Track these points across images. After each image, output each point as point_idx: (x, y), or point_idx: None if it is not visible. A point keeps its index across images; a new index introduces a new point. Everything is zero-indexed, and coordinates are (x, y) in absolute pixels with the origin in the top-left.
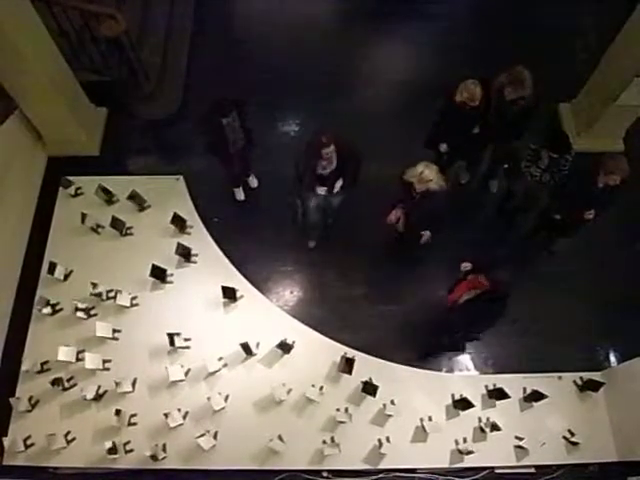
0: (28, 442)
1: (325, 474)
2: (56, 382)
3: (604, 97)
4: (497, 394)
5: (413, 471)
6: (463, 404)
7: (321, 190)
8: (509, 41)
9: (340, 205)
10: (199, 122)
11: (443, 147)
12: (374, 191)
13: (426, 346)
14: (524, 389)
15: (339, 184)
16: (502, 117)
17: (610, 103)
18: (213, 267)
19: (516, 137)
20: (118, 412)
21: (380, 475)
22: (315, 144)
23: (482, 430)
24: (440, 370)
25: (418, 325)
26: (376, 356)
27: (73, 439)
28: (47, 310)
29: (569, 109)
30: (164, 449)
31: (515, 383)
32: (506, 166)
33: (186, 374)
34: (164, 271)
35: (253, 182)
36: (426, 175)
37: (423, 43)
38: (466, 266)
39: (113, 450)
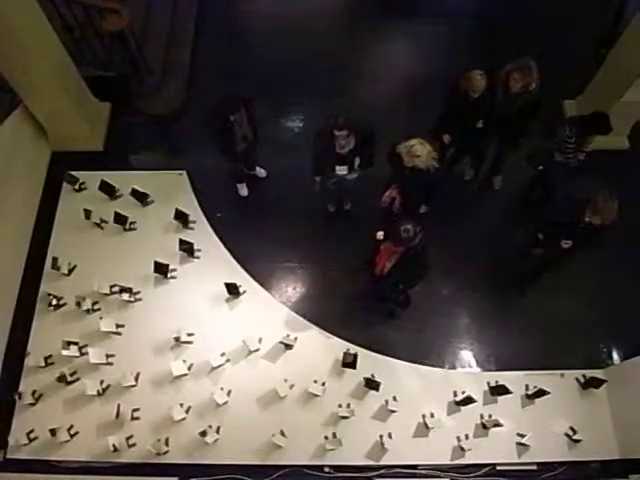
0: (31, 435)
1: (327, 469)
2: (60, 378)
3: (609, 94)
4: (499, 390)
5: (414, 467)
6: (465, 400)
7: (341, 169)
8: (514, 37)
9: (354, 187)
10: (206, 118)
11: (446, 138)
12: (377, 188)
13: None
14: (526, 386)
15: (357, 162)
16: (506, 110)
17: (615, 100)
18: (216, 263)
19: (520, 133)
20: (118, 413)
21: (382, 471)
22: (330, 125)
23: (484, 426)
24: (442, 367)
25: (422, 322)
26: (378, 352)
27: (76, 433)
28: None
29: (574, 106)
30: (167, 443)
31: (517, 380)
32: (541, 168)
33: (189, 369)
34: (167, 267)
35: (261, 172)
36: (415, 150)
37: (426, 40)
38: (380, 235)
39: (115, 449)
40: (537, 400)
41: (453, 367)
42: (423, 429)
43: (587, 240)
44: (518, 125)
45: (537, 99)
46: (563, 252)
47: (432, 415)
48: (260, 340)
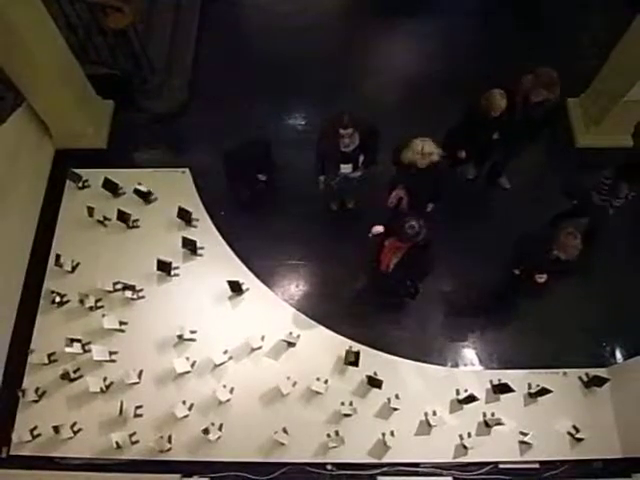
0: (35, 432)
1: (329, 467)
2: (63, 375)
3: (613, 92)
4: (502, 389)
5: (417, 465)
6: (467, 399)
7: (345, 168)
8: (517, 35)
9: (358, 185)
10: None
11: (462, 154)
12: (379, 187)
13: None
14: (529, 384)
15: (361, 159)
16: (528, 120)
17: (619, 98)
18: (219, 260)
19: (534, 137)
20: (121, 410)
21: (384, 468)
22: (334, 124)
23: (486, 425)
24: (445, 365)
25: (424, 320)
26: (381, 350)
27: (79, 430)
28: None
29: (577, 104)
30: (170, 440)
31: (520, 378)
32: (575, 202)
33: (192, 366)
34: (170, 264)
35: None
36: (427, 149)
37: (429, 39)
38: (378, 230)
39: (118, 446)
40: (540, 398)
41: (456, 365)
42: (425, 427)
43: (562, 273)
44: (537, 129)
45: (559, 104)
46: (540, 286)
47: (434, 413)
48: (263, 338)
